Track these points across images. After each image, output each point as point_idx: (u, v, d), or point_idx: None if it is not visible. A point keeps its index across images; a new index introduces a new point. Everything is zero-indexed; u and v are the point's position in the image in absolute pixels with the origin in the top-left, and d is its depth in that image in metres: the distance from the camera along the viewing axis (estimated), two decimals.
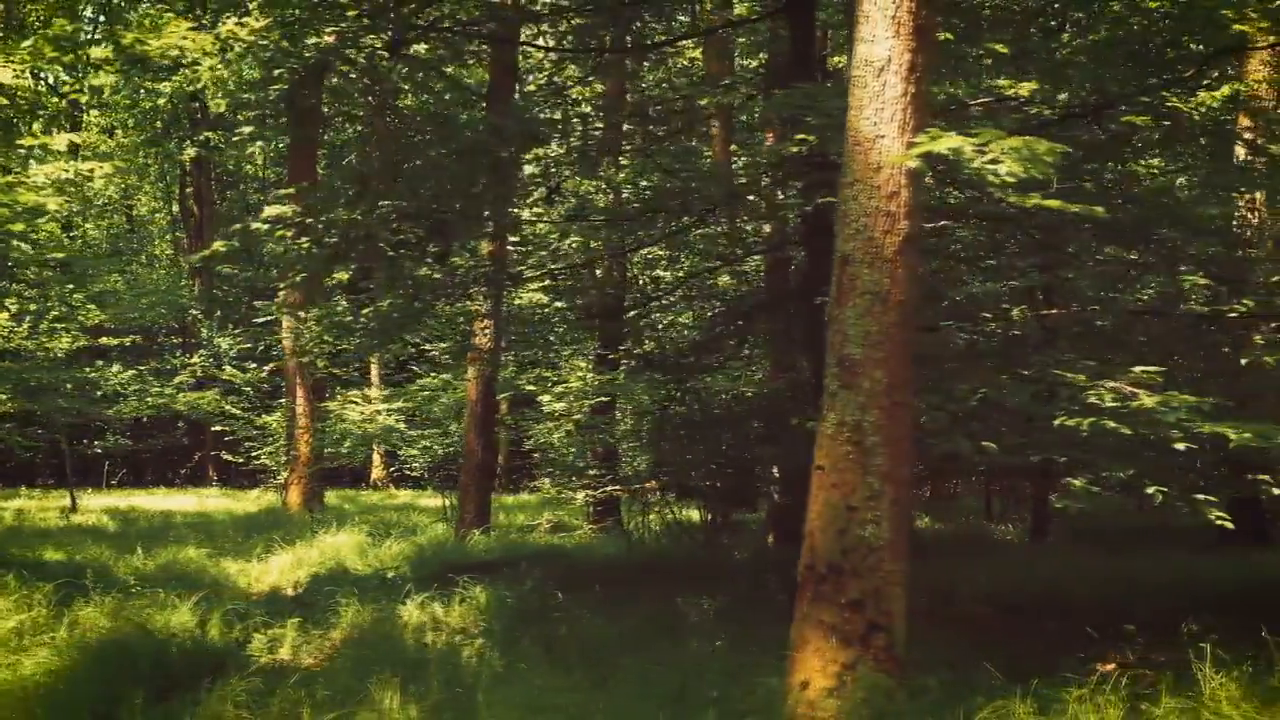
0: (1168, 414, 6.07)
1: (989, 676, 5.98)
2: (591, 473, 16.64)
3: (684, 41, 21.71)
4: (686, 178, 11.19)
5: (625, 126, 16.51)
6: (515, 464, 32.02)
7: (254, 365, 30.69)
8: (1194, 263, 9.04)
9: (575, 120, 13.64)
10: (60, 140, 12.12)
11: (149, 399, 27.69)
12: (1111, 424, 6.22)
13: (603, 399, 16.72)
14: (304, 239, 8.81)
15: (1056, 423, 6.41)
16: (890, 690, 5.57)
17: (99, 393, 24.77)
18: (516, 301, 16.01)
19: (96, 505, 22.44)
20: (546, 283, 14.53)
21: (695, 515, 15.67)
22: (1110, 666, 7.78)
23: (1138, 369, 6.59)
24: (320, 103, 21.06)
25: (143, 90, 31.88)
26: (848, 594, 5.71)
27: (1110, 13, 9.43)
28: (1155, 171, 15.45)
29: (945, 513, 21.08)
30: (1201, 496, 6.48)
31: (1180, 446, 6.33)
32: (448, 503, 18.10)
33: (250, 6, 10.86)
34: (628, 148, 14.62)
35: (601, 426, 16.17)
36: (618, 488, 15.83)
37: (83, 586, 9.58)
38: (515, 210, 11.81)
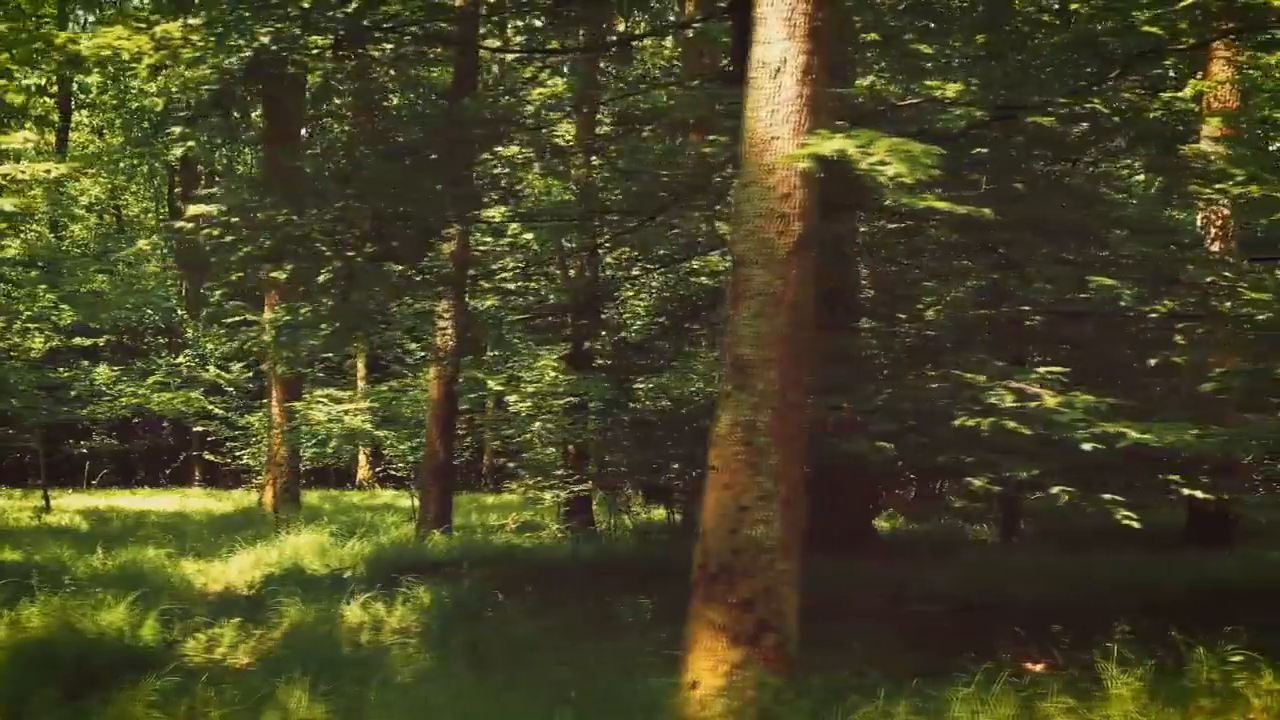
0: (1064, 414, 6.08)
1: (880, 677, 5.98)
2: (558, 472, 16.62)
3: (666, 41, 21.73)
4: (643, 176, 11.17)
5: (598, 130, 16.50)
6: (500, 463, 32.01)
7: (240, 365, 30.75)
8: (1129, 264, 9.02)
9: (540, 118, 13.62)
10: (15, 139, 12.13)
11: (123, 399, 27.73)
12: (1011, 424, 6.23)
13: (572, 398, 16.71)
14: (229, 237, 8.85)
15: (956, 423, 6.43)
16: (778, 690, 5.58)
17: (72, 393, 24.75)
18: (487, 302, 15.98)
19: (74, 505, 22.44)
20: (514, 285, 14.53)
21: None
22: (1039, 666, 7.80)
23: (1042, 369, 6.60)
24: (298, 103, 21.07)
25: (130, 89, 31.87)
26: (738, 594, 5.73)
27: (1040, 11, 9.43)
28: (1126, 173, 15.42)
29: (923, 513, 21.06)
30: (1108, 496, 6.47)
31: (1087, 447, 6.33)
32: (416, 503, 18.14)
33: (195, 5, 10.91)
34: (613, 148, 14.56)
35: (566, 426, 16.14)
36: (581, 488, 15.83)
37: (31, 587, 9.59)
38: (478, 211, 11.81)
